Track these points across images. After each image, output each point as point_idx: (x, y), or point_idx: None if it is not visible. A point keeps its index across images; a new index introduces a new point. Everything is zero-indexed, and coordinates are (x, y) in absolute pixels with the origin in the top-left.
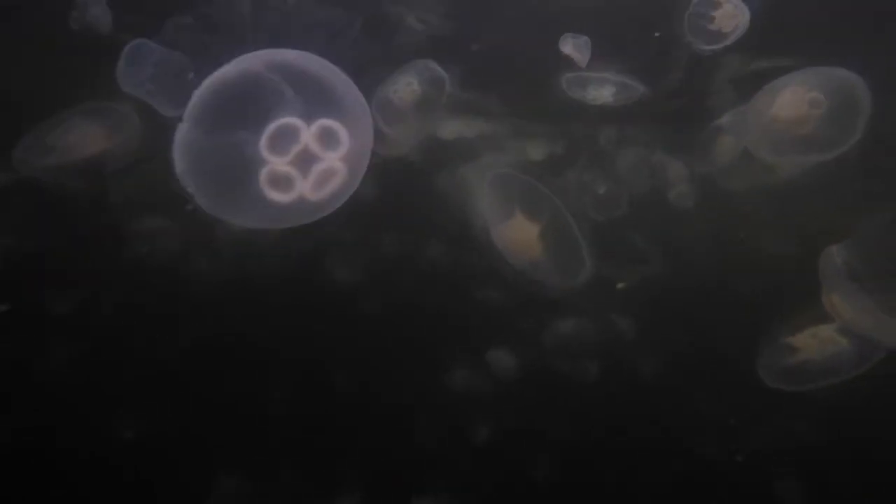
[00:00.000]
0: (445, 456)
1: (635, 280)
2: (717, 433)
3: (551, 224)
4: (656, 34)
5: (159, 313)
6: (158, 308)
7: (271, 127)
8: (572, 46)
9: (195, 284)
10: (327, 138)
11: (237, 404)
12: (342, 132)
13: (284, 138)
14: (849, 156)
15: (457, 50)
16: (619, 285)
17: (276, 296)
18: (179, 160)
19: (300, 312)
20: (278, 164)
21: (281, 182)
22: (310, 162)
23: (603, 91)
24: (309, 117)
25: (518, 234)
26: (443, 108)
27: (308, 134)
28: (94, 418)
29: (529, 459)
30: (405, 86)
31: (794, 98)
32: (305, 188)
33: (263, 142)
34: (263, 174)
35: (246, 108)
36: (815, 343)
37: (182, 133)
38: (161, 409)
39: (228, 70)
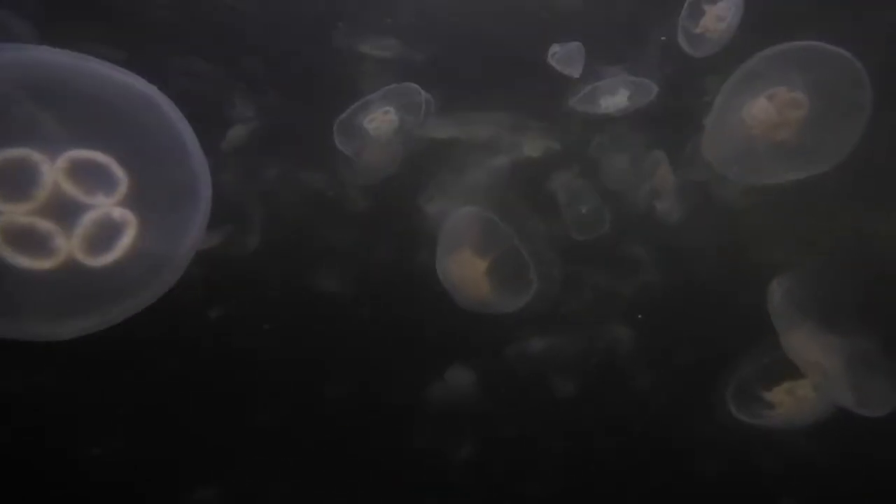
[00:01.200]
0: (435, 468)
1: (632, 290)
2: (713, 449)
3: (502, 262)
4: (662, 38)
5: (146, 321)
6: (145, 315)
7: None
8: (561, 58)
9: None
10: (86, 176)
11: (221, 414)
12: (114, 168)
13: (18, 177)
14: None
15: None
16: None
17: (264, 306)
18: None
19: (289, 321)
20: (14, 213)
21: (28, 241)
22: (72, 211)
23: (616, 98)
24: (55, 148)
25: (464, 270)
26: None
27: (52, 170)
28: (92, 420)
29: (519, 472)
30: (382, 114)
31: (767, 102)
32: (73, 247)
33: None
34: None
35: None
36: (790, 401)
37: None
38: (148, 418)
39: None
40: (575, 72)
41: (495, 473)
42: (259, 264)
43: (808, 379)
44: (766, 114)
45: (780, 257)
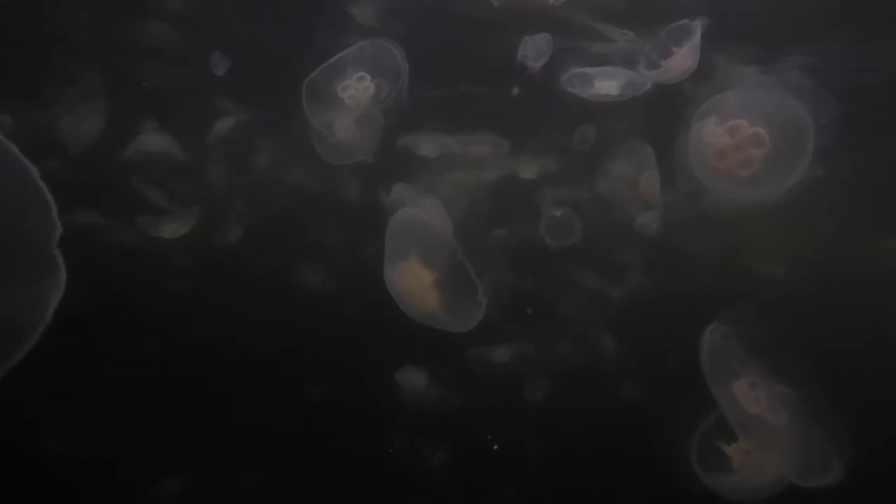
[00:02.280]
0: (413, 468)
1: (620, 297)
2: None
3: (449, 275)
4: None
5: (134, 313)
6: (133, 308)
7: None
8: (530, 49)
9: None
10: None
11: (200, 407)
12: None
13: None
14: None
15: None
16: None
17: (246, 299)
18: None
19: (272, 314)
20: None
21: None
22: None
23: (610, 82)
24: None
25: (411, 281)
26: (401, 101)
27: None
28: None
29: (496, 476)
30: (357, 80)
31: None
32: None
33: None
34: None
35: None
36: (748, 465)
37: None
38: (127, 411)
39: None
40: (542, 62)
41: (472, 475)
42: (242, 256)
43: (746, 442)
44: (717, 139)
45: (764, 267)
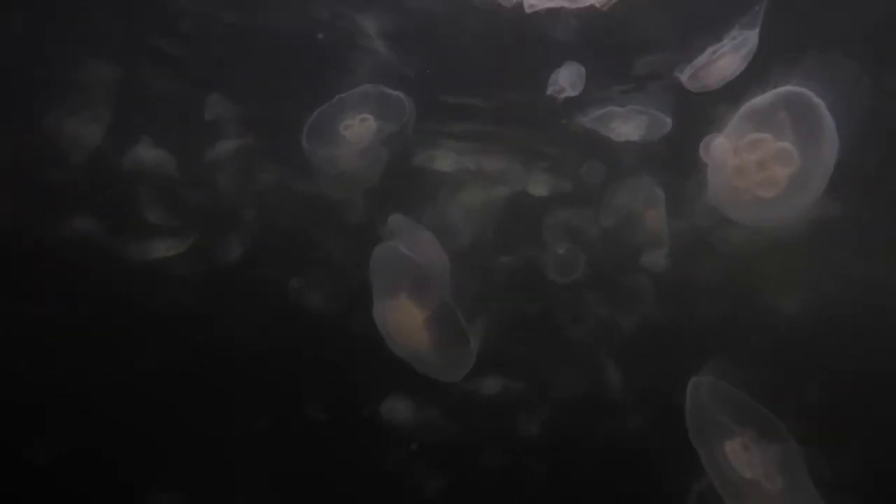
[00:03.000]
0: (409, 490)
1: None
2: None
3: (439, 314)
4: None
5: (128, 326)
6: (128, 322)
7: None
8: (564, 79)
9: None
10: None
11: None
12: None
13: None
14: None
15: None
16: None
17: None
18: None
19: (274, 331)
20: None
21: None
22: None
23: (628, 126)
24: None
25: (401, 318)
26: (406, 139)
27: None
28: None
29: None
30: (359, 121)
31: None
32: None
33: None
34: None
35: None
36: None
37: None
38: (127, 415)
39: None
40: (575, 92)
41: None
42: (246, 271)
43: None
44: (737, 154)
45: (778, 301)
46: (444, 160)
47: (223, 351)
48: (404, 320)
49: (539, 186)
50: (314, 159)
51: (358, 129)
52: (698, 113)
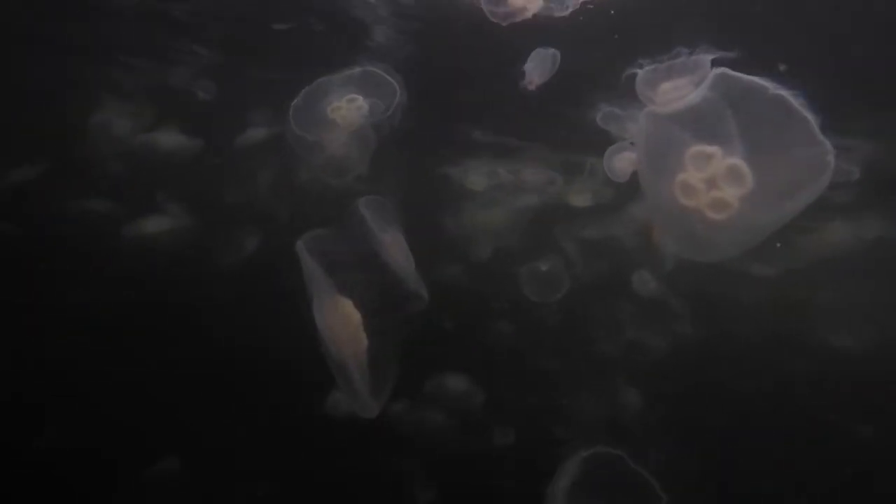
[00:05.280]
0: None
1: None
2: None
3: (376, 319)
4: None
5: (132, 326)
6: (132, 321)
7: None
8: (535, 62)
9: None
10: None
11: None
12: None
13: None
14: None
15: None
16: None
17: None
18: None
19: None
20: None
21: None
22: None
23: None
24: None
25: (338, 318)
26: (394, 127)
27: None
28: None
29: None
30: (347, 102)
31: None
32: None
33: None
34: None
35: None
36: None
37: None
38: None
39: None
40: (541, 77)
41: None
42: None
43: None
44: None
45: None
46: (476, 171)
47: (223, 351)
48: (341, 320)
49: (580, 197)
50: (300, 144)
51: (346, 111)
52: None
